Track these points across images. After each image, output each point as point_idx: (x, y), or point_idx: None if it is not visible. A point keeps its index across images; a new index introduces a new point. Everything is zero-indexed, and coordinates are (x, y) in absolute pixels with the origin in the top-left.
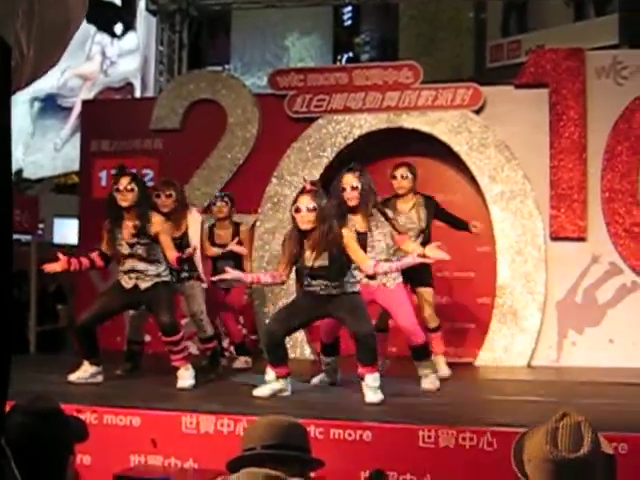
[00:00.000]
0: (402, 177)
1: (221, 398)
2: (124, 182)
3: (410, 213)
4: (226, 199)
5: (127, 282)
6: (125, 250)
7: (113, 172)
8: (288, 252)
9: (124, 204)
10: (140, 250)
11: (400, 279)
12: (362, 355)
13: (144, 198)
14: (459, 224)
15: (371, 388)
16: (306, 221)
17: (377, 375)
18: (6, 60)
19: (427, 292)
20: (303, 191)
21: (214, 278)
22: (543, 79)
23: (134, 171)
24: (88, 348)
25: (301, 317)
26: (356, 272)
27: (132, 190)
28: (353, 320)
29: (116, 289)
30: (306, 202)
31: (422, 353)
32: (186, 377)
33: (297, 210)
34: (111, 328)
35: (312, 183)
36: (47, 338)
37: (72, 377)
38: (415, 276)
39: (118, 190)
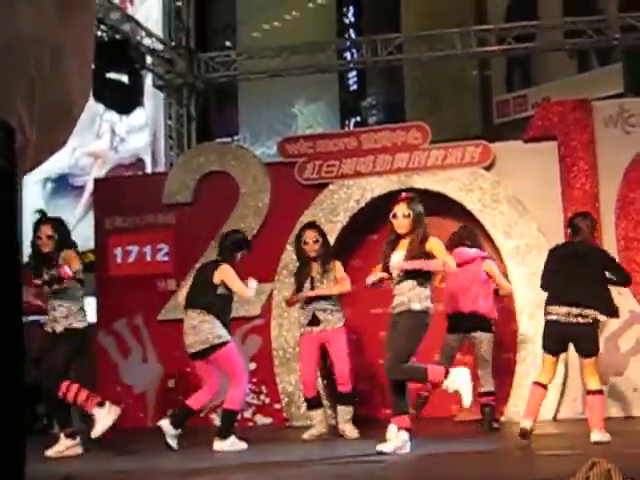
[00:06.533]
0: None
1: (248, 468)
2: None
3: None
4: None
5: None
6: None
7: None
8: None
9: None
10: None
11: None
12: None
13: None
14: None
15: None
16: (402, 226)
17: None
18: (10, 142)
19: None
20: (399, 200)
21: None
22: (551, 132)
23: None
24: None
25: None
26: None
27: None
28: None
29: None
30: (402, 209)
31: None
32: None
33: (394, 216)
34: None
35: (407, 192)
36: None
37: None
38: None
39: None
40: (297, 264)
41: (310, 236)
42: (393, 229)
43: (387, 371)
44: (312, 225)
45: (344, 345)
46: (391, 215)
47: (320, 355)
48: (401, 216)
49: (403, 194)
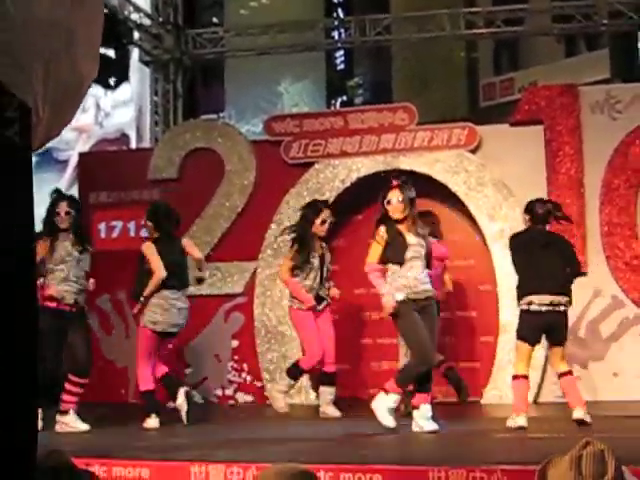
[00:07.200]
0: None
1: (230, 445)
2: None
3: None
4: None
5: None
6: None
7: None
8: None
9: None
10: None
11: None
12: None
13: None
14: None
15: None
16: (398, 210)
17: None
18: (27, 121)
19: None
20: (391, 187)
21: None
22: (538, 116)
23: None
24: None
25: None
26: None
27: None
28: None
29: None
30: (396, 195)
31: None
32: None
33: (388, 203)
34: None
35: (397, 177)
36: None
37: None
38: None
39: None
40: (282, 243)
41: (328, 216)
42: (387, 215)
43: (432, 359)
44: (328, 205)
45: (332, 324)
46: (385, 202)
47: None
48: (396, 201)
49: (394, 181)
